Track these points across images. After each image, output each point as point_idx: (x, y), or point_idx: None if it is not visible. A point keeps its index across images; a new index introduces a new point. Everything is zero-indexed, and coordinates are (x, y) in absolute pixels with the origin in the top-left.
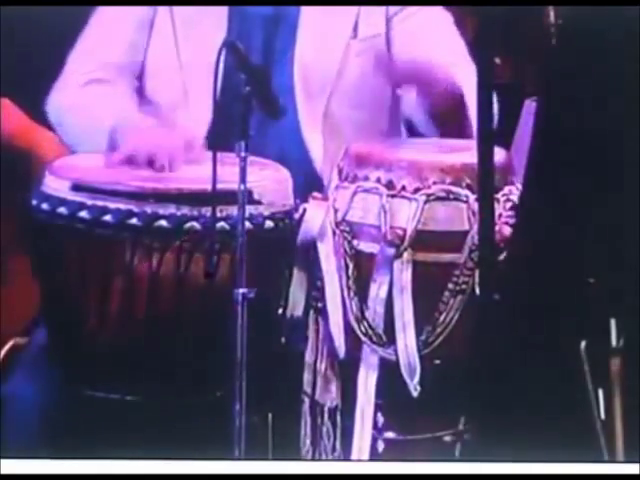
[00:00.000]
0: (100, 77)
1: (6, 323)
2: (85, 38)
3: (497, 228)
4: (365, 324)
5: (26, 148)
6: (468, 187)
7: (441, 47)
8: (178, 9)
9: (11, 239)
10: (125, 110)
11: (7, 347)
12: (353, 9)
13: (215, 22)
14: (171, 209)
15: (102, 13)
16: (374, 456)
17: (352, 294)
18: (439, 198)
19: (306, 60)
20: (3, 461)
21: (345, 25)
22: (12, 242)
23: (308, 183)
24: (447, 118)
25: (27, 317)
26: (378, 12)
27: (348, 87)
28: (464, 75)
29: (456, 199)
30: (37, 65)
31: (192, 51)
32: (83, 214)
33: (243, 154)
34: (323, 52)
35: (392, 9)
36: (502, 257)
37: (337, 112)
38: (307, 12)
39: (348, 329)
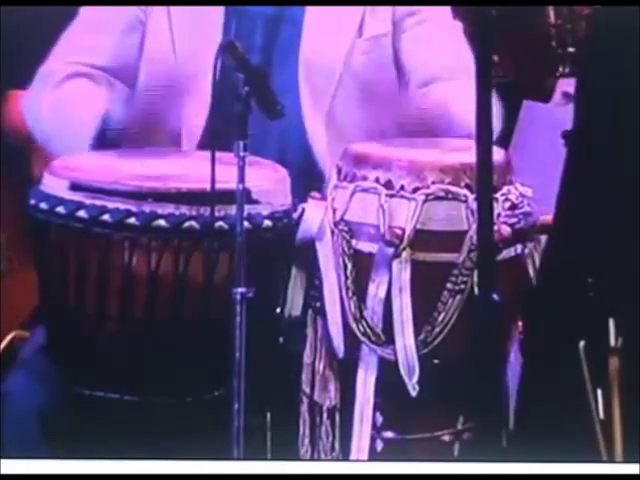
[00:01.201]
0: (83, 72)
1: (7, 315)
2: (69, 35)
3: (496, 228)
4: (364, 324)
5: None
6: (467, 187)
7: (447, 57)
8: (175, 9)
9: (17, 229)
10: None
11: (8, 339)
12: (359, 8)
13: (213, 22)
14: (170, 209)
15: (90, 9)
16: (373, 455)
17: (351, 294)
18: (438, 198)
19: (311, 59)
20: (3, 461)
21: (351, 24)
22: (18, 232)
23: (307, 183)
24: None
25: (29, 310)
26: (384, 11)
27: (352, 86)
28: (466, 87)
29: (455, 199)
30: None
31: (189, 51)
32: (81, 213)
33: (242, 154)
34: (328, 51)
35: (399, 11)
36: (501, 257)
37: (341, 112)
38: (312, 11)
39: (347, 329)
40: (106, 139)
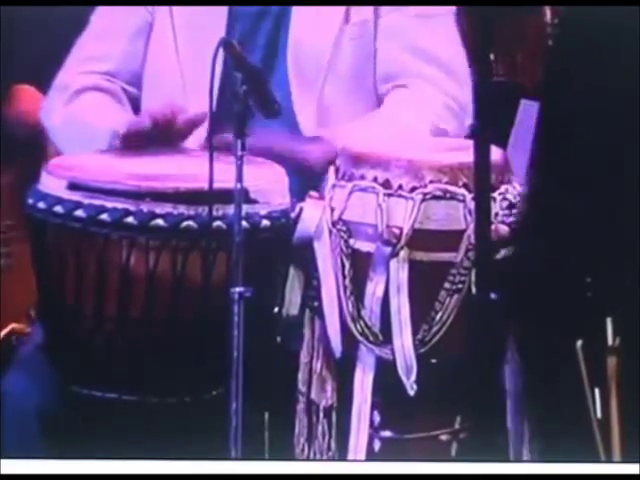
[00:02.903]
0: (97, 84)
1: (7, 311)
2: (81, 45)
3: (493, 227)
4: (361, 323)
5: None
6: (465, 186)
7: (436, 41)
8: (177, 11)
9: (19, 223)
10: (123, 115)
11: (6, 331)
12: None
13: (214, 23)
14: (168, 208)
15: (99, 17)
16: (370, 455)
17: (348, 293)
18: (436, 197)
19: (299, 47)
20: (3, 461)
21: (337, 10)
22: (19, 227)
23: (305, 182)
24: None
25: (28, 307)
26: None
27: (342, 73)
28: (458, 71)
29: (453, 198)
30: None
31: (192, 53)
32: (79, 213)
33: (240, 153)
34: (316, 39)
35: None
36: (499, 256)
37: (332, 99)
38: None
39: (344, 328)
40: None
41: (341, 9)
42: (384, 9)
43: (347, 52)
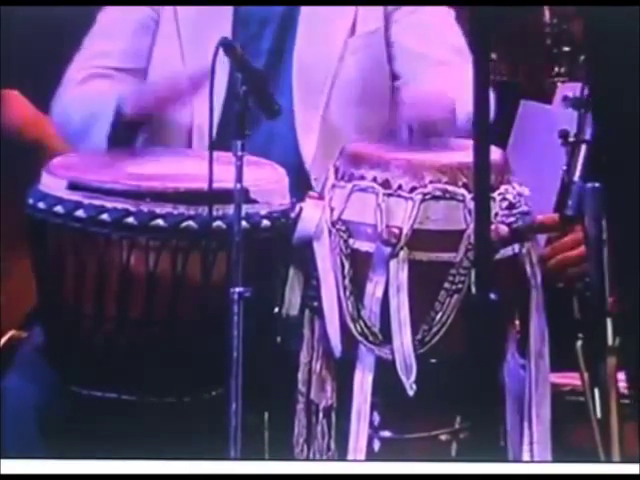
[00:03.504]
0: (103, 73)
1: (6, 316)
2: (88, 42)
3: (493, 227)
4: (361, 323)
5: (35, 139)
6: (464, 186)
7: (441, 43)
8: (182, 11)
9: (16, 230)
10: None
11: (5, 338)
12: (351, 7)
13: (220, 24)
14: (168, 208)
15: (106, 15)
16: (370, 455)
17: (348, 293)
18: (435, 197)
19: (305, 60)
20: (3, 461)
21: (343, 23)
22: (17, 233)
23: (304, 182)
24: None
25: (27, 311)
26: (376, 8)
27: (346, 85)
28: (461, 73)
29: (452, 198)
30: (46, 59)
31: (196, 53)
32: (79, 213)
33: (240, 153)
34: (321, 51)
35: (390, 5)
36: (498, 256)
37: (336, 111)
38: (306, 12)
39: (344, 328)
40: (121, 133)
41: (347, 22)
42: (397, 14)
43: (352, 64)
